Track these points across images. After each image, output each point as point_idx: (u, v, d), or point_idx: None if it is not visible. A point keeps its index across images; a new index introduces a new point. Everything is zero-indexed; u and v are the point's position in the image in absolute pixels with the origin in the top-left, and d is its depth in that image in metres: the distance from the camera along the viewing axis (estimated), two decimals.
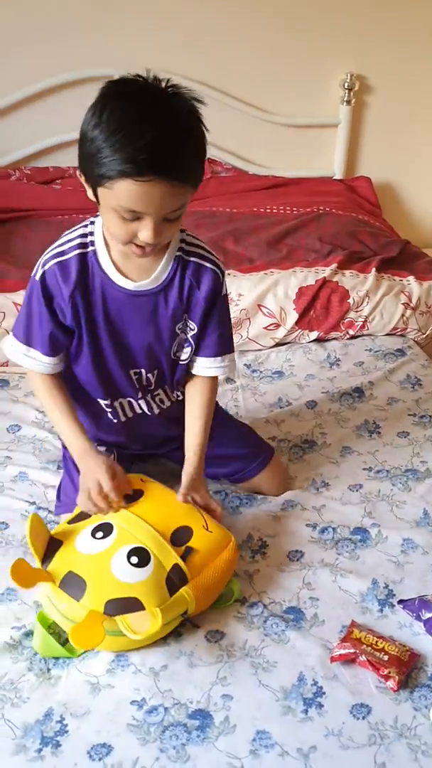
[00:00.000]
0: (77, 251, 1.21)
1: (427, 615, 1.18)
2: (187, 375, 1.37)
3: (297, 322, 2.01)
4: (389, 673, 1.09)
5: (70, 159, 2.31)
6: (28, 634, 1.16)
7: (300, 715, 1.05)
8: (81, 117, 1.08)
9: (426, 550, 1.34)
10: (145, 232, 1.10)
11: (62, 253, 1.21)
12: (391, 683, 1.08)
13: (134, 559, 1.13)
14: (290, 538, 1.37)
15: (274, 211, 2.25)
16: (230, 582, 1.23)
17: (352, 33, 2.30)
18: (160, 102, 1.05)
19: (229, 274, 2.03)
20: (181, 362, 1.34)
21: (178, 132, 1.05)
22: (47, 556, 1.17)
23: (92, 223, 1.23)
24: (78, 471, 1.28)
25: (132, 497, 1.25)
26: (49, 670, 1.11)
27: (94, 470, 1.22)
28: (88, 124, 1.07)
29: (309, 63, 2.32)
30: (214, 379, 1.37)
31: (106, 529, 1.18)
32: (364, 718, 1.05)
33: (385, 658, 1.11)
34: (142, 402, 1.36)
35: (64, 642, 1.12)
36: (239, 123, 2.35)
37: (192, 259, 1.25)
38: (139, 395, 1.35)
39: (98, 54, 2.18)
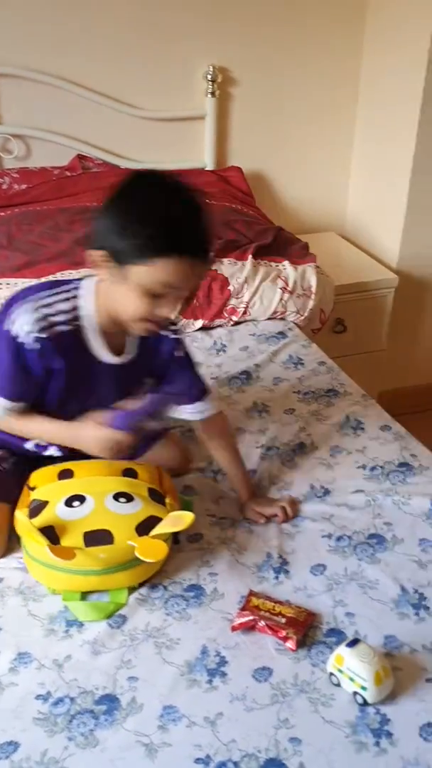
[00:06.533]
0: (65, 327, 1.23)
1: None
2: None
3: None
4: (287, 634, 1.13)
5: None
6: None
7: (205, 686, 1.08)
8: None
9: (314, 518, 1.40)
10: (167, 309, 1.19)
11: (49, 325, 1.22)
12: (289, 644, 1.13)
13: (122, 499, 1.27)
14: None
15: None
16: (180, 500, 1.39)
17: (211, 25, 2.34)
18: (188, 194, 1.17)
19: None
20: None
21: (209, 222, 1.18)
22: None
23: (76, 288, 1.27)
24: None
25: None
26: None
27: (99, 430, 1.27)
28: (122, 211, 1.15)
29: (172, 57, 2.34)
30: (217, 417, 1.46)
31: (79, 498, 1.27)
32: (266, 680, 1.09)
33: (283, 620, 1.15)
34: None
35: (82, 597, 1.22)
36: (108, 119, 2.35)
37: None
38: None
39: None
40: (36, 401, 1.31)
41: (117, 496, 1.28)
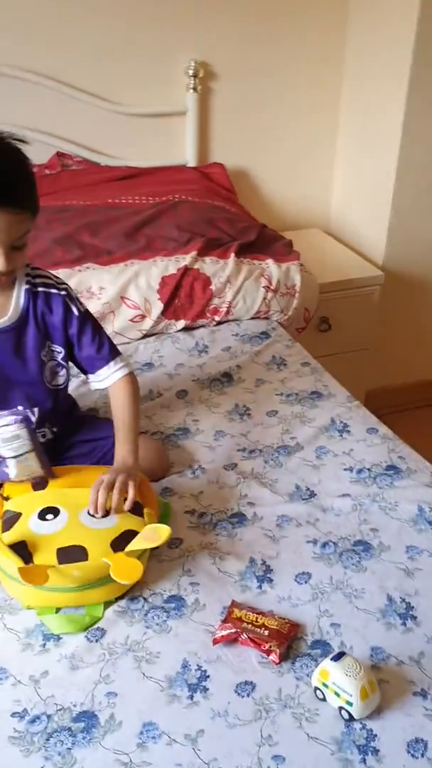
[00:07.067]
0: None
1: None
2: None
3: (163, 312, 2.00)
4: (270, 647, 1.10)
5: None
6: None
7: (186, 702, 1.05)
8: None
9: (299, 522, 1.37)
10: None
11: None
12: (273, 657, 1.09)
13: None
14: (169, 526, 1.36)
15: (129, 201, 2.23)
16: (159, 502, 1.35)
17: (192, 19, 2.30)
18: None
19: (88, 268, 2.00)
20: (60, 388, 1.42)
21: (13, 167, 1.20)
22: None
23: None
24: None
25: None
26: None
27: None
28: None
29: (152, 51, 2.30)
30: (124, 382, 1.44)
31: (53, 511, 1.23)
32: (248, 695, 1.06)
33: (266, 633, 1.12)
34: None
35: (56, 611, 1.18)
36: (87, 115, 2.30)
37: (40, 289, 1.36)
38: None
39: None
40: None
41: None
